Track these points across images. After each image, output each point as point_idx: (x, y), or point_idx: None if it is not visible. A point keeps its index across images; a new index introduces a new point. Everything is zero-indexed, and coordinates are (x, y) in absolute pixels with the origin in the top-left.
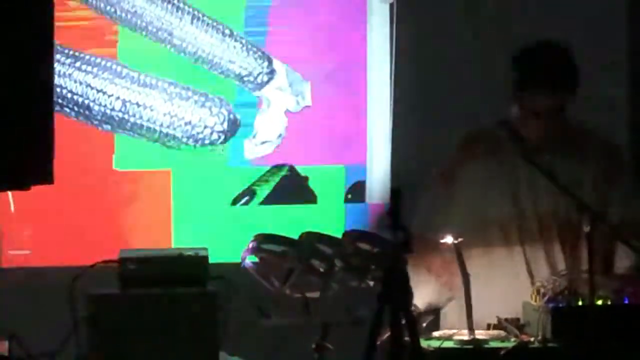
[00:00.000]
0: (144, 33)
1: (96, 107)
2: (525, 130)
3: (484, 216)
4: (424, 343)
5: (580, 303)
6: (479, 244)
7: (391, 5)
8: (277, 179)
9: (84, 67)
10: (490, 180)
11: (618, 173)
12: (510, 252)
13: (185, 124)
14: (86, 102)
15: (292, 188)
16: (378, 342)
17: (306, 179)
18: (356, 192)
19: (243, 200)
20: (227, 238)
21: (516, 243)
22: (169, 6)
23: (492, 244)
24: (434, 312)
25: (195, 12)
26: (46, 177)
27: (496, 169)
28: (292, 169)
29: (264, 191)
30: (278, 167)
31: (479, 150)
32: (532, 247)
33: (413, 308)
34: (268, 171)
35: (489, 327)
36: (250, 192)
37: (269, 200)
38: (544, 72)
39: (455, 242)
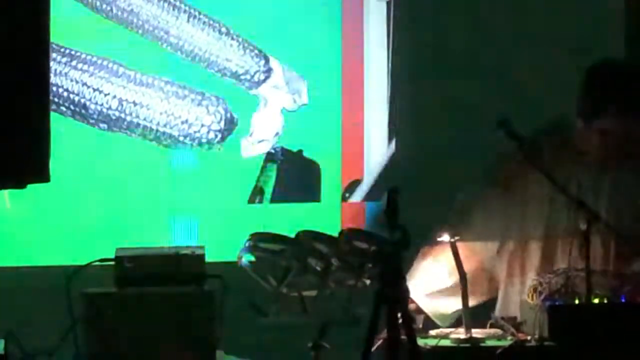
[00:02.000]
0: (139, 32)
1: (92, 106)
2: (587, 144)
3: (533, 230)
4: (420, 341)
5: (577, 301)
6: (529, 254)
7: (388, 3)
8: (275, 169)
9: (80, 65)
10: (548, 195)
11: None
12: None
13: (182, 122)
14: (82, 100)
15: (294, 171)
16: (375, 341)
17: (300, 152)
18: (353, 190)
19: (256, 201)
20: (224, 236)
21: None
22: (165, 4)
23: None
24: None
25: (192, 11)
26: (43, 175)
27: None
28: (283, 150)
29: (269, 187)
30: (271, 155)
31: (539, 163)
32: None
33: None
34: (265, 165)
35: (485, 326)
36: (259, 191)
37: (278, 193)
38: (624, 96)
39: (452, 240)
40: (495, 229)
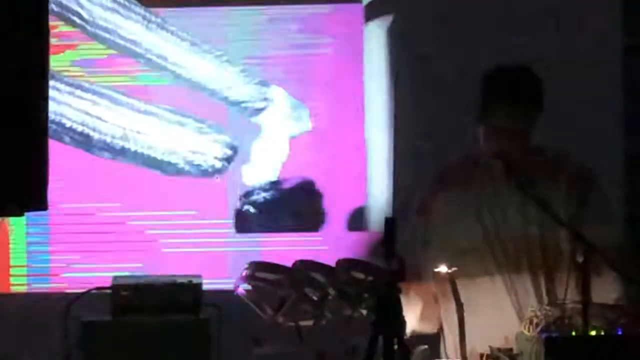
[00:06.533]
0: (141, 60)
1: (96, 136)
2: (490, 151)
3: (460, 246)
4: None
5: (573, 333)
6: (457, 274)
7: (387, 30)
8: (275, 197)
9: (82, 94)
10: (462, 211)
11: (589, 196)
12: (489, 281)
13: (185, 151)
14: (85, 130)
15: (294, 199)
16: None
17: (301, 179)
18: (355, 219)
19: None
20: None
21: (494, 271)
22: (167, 34)
23: (470, 273)
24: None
25: (193, 39)
26: (40, 203)
27: (467, 199)
28: (285, 178)
29: (269, 214)
30: (273, 183)
31: (449, 181)
32: (510, 275)
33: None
34: (265, 193)
35: (481, 357)
36: (258, 219)
37: (276, 222)
38: (511, 93)
39: (449, 271)
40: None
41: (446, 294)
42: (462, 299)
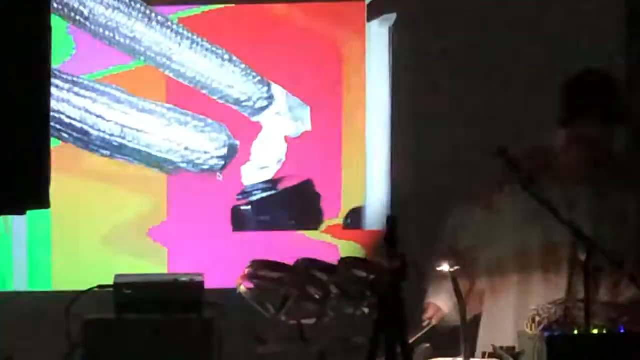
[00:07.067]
0: (142, 58)
1: (94, 133)
2: (569, 156)
3: (520, 245)
4: None
5: (575, 332)
6: (515, 270)
7: (390, 29)
8: (276, 196)
9: (82, 92)
10: (527, 209)
11: None
12: (548, 280)
13: (184, 149)
14: (84, 127)
15: (294, 198)
16: None
17: (301, 178)
18: (355, 217)
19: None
20: (223, 263)
21: (555, 270)
22: (168, 31)
23: (529, 271)
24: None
25: (194, 37)
26: (43, 202)
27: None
28: (284, 177)
29: (268, 214)
30: (272, 182)
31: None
32: (569, 274)
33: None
34: (265, 192)
35: (484, 355)
36: (257, 219)
37: (277, 220)
38: (599, 103)
39: (451, 270)
40: (480, 248)
41: (495, 291)
42: (518, 299)
